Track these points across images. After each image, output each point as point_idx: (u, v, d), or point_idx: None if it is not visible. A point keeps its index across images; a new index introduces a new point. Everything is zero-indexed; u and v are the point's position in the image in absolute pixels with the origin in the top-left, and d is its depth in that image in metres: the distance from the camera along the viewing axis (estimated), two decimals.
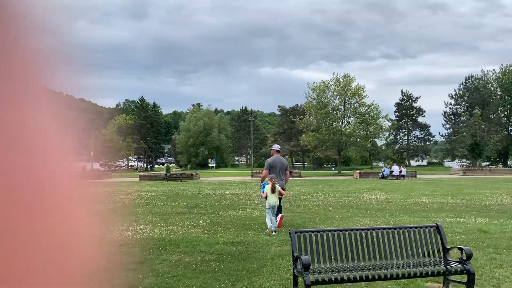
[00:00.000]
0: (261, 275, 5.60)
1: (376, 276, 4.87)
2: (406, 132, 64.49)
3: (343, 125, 48.88)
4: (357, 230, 5.56)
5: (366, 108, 46.56)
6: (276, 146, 9.84)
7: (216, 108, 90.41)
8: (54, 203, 0.50)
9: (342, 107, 48.98)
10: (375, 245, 5.35)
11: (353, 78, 48.58)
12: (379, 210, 12.73)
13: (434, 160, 69.05)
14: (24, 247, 0.41)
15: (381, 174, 33.99)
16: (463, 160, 58.39)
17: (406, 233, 5.39)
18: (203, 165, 63.58)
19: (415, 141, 64.76)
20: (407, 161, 63.25)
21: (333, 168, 60.26)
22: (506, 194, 17.76)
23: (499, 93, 65.86)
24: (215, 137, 67.36)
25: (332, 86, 49.05)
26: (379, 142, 62.79)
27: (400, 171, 33.48)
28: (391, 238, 5.43)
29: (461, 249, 4.90)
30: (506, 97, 65.11)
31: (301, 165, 73.69)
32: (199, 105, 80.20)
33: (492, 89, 66.09)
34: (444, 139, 65.79)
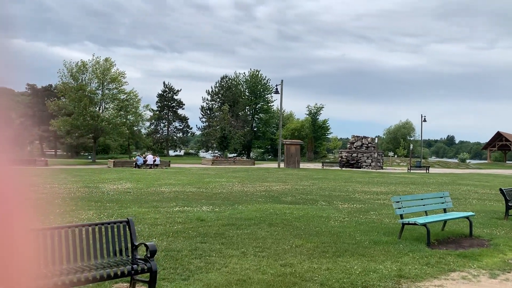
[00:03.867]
0: None
1: (60, 283, 4.05)
2: (166, 123, 66.15)
3: (101, 110, 46.31)
4: (47, 229, 4.58)
5: (126, 95, 45.33)
6: None
7: None
8: None
9: (100, 91, 46.30)
10: (68, 246, 4.54)
11: (114, 63, 46.54)
12: (112, 201, 11.96)
13: (191, 151, 73.27)
14: None
15: (135, 163, 33.51)
16: (215, 151, 64.00)
17: (98, 229, 4.74)
18: None
19: (174, 132, 67.17)
20: (166, 151, 65.04)
21: (89, 157, 56.64)
22: (238, 182, 19.69)
23: (247, 93, 74.94)
24: None
25: (91, 68, 45.76)
26: (143, 131, 62.52)
27: (154, 160, 33.75)
28: (84, 236, 4.68)
29: (146, 246, 4.53)
30: (252, 97, 74.65)
31: (53, 153, 66.51)
32: None
33: (242, 89, 74.60)
34: (200, 132, 70.59)
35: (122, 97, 45.20)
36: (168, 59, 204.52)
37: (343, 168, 40.91)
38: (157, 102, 65.28)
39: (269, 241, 7.07)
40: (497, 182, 25.00)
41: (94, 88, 45.88)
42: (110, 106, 45.61)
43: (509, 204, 9.95)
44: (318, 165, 45.54)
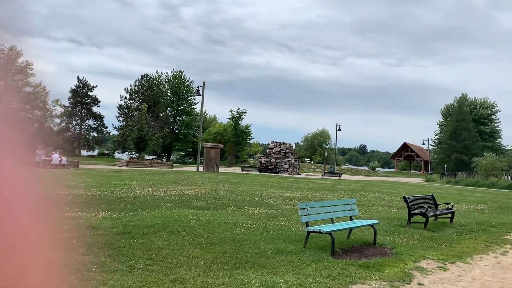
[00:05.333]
0: None
1: None
2: (79, 121, 61.99)
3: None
4: None
5: (32, 88, 41.65)
6: None
7: None
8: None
9: (2, 83, 42.03)
10: None
11: (21, 53, 42.59)
12: None
13: (106, 151, 69.36)
14: None
15: (38, 161, 30.62)
16: (133, 152, 61.15)
17: None
18: None
19: (88, 130, 63.15)
20: (77, 151, 60.88)
21: None
22: (149, 186, 18.60)
23: (169, 94, 72.94)
24: None
25: None
26: (55, 129, 57.85)
27: (60, 160, 31.13)
28: None
29: None
30: (174, 99, 72.82)
31: None
32: None
33: (164, 90, 72.44)
34: (117, 131, 67.13)
35: (28, 89, 41.42)
36: (86, 53, 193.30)
37: (262, 173, 41.11)
38: (69, 98, 60.90)
39: (165, 252, 6.36)
40: (402, 189, 26.52)
41: None
42: (13, 100, 41.57)
43: (411, 212, 10.22)
44: (238, 170, 45.35)
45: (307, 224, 7.19)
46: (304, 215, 7.16)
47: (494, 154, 51.40)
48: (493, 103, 77.44)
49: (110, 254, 6.08)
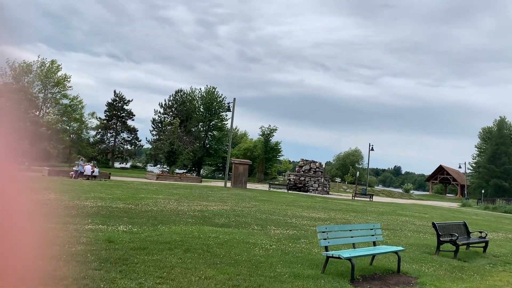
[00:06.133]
0: None
1: None
2: (114, 133, 63.56)
3: (41, 115, 43.69)
4: None
5: (69, 100, 43.13)
6: None
7: None
8: None
9: (42, 95, 43.77)
10: None
11: (60, 67, 44.36)
12: None
13: (138, 164, 70.68)
14: None
15: (76, 172, 31.49)
16: (164, 165, 62.01)
17: None
18: None
19: (122, 143, 64.61)
20: (111, 163, 62.32)
21: (26, 163, 53.23)
22: (175, 200, 18.64)
23: (202, 110, 74.00)
24: None
25: (35, 70, 43.30)
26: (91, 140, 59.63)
27: (92, 171, 31.87)
28: None
29: None
30: (207, 114, 73.76)
31: None
32: None
33: (197, 105, 73.58)
34: (150, 145, 68.42)
35: (65, 102, 42.95)
36: (125, 68, 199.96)
37: (290, 191, 40.64)
38: (105, 111, 62.71)
39: (177, 271, 6.22)
40: (435, 214, 25.48)
41: (36, 91, 43.33)
42: (51, 111, 43.15)
43: (441, 239, 9.69)
44: (266, 186, 45.04)
45: (326, 248, 6.88)
46: (324, 239, 6.86)
47: None
48: None
49: (122, 270, 5.99)
